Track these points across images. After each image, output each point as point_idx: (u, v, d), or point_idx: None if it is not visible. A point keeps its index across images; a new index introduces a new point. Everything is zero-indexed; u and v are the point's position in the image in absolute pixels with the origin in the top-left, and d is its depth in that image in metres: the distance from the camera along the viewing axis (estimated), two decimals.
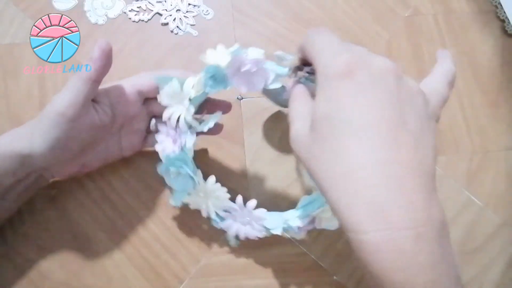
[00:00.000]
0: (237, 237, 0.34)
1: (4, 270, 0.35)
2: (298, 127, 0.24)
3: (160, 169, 0.33)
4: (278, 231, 0.33)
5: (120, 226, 0.37)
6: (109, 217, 0.37)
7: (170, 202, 0.34)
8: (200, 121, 0.32)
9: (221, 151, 0.40)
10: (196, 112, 0.32)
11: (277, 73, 0.28)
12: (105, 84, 0.34)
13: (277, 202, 0.38)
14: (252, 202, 0.32)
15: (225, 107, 0.36)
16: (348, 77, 0.21)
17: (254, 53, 0.28)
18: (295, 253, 0.37)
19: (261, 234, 0.33)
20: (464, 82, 0.43)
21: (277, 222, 0.33)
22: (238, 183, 0.39)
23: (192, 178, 0.32)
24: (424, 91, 0.23)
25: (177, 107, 0.32)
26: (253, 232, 0.33)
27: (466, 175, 0.40)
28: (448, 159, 0.40)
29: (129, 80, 0.34)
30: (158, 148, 0.33)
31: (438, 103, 0.24)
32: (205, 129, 0.32)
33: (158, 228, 0.37)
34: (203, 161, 0.39)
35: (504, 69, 0.43)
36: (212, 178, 0.33)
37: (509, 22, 0.44)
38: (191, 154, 0.33)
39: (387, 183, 0.20)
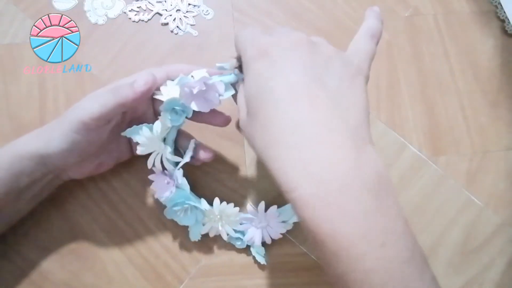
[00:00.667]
0: (264, 251, 0.36)
1: (4, 270, 0.35)
2: (242, 115, 0.26)
3: (167, 214, 0.35)
4: (296, 218, 0.35)
5: (120, 226, 0.37)
6: (109, 217, 0.37)
7: (190, 239, 0.36)
8: (184, 151, 0.34)
9: (221, 151, 0.40)
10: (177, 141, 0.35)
11: (225, 82, 0.30)
12: (113, 82, 0.34)
13: (277, 202, 0.38)
14: (261, 205, 0.34)
15: (222, 119, 0.35)
16: (262, 57, 0.24)
17: (198, 74, 0.30)
18: (295, 253, 0.37)
19: (283, 229, 0.35)
20: (464, 82, 0.43)
21: (291, 212, 0.35)
22: (238, 183, 0.39)
23: (199, 208, 0.34)
24: (350, 51, 0.26)
25: (156, 151, 0.33)
26: (275, 231, 0.35)
27: (466, 175, 0.40)
28: (448, 159, 0.40)
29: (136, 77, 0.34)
30: (157, 196, 0.34)
31: (363, 59, 0.26)
32: (188, 159, 0.33)
33: (158, 228, 0.37)
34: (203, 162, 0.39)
35: (504, 69, 0.43)
36: (216, 201, 0.34)
37: (509, 22, 0.44)
38: (187, 187, 0.34)
39: (310, 142, 0.21)
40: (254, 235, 0.35)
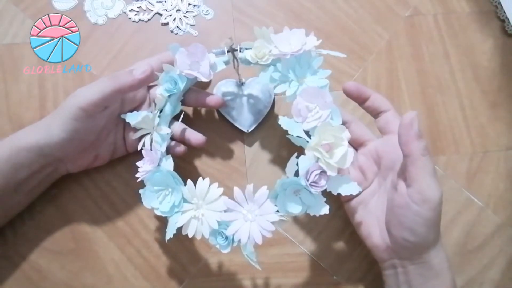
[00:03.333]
0: (255, 255, 0.30)
1: (4, 270, 0.35)
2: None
3: (145, 199, 0.32)
4: (297, 210, 0.29)
5: (120, 226, 0.37)
6: (109, 217, 0.37)
7: (166, 238, 0.31)
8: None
9: (221, 151, 0.40)
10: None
11: (216, 57, 0.33)
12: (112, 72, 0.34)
13: None
14: (249, 188, 0.29)
15: (215, 100, 0.36)
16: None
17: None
18: (295, 253, 0.37)
19: (277, 217, 0.28)
20: (464, 82, 0.43)
21: (285, 204, 0.29)
22: (238, 183, 0.39)
23: (176, 183, 0.30)
24: None
25: (148, 133, 0.34)
26: (266, 222, 0.28)
27: (466, 175, 0.40)
28: (448, 159, 0.40)
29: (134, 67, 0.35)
30: (140, 175, 0.32)
31: None
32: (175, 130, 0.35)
33: (158, 228, 0.37)
34: (203, 162, 0.39)
35: (504, 69, 0.43)
36: (199, 179, 0.30)
37: (509, 22, 0.44)
38: (171, 166, 0.32)
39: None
40: (240, 228, 0.28)
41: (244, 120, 0.39)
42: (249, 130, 0.39)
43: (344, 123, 0.32)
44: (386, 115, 0.33)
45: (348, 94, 0.34)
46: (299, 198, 0.29)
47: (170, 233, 0.30)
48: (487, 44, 0.44)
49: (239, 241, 0.29)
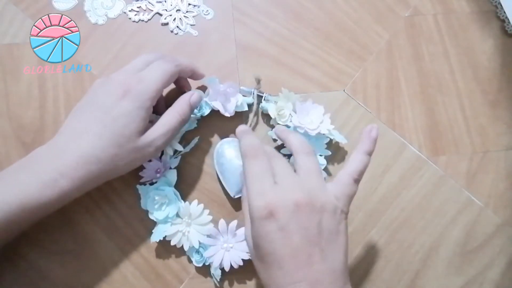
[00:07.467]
0: (221, 275, 0.35)
1: (4, 270, 0.35)
2: (247, 231, 0.30)
3: (144, 201, 0.36)
4: None
5: (120, 226, 0.37)
6: (109, 217, 0.37)
7: (151, 240, 0.35)
8: (184, 145, 0.38)
9: None
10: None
11: (243, 98, 0.38)
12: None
13: None
14: (233, 224, 0.34)
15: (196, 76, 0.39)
16: (270, 219, 0.27)
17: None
18: None
19: (246, 256, 0.34)
20: (464, 82, 0.43)
21: None
22: None
23: (176, 200, 0.35)
24: (335, 192, 0.29)
25: None
26: (237, 255, 0.34)
27: (466, 175, 0.40)
28: (448, 159, 0.40)
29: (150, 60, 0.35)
30: (145, 179, 0.36)
31: (346, 203, 0.29)
32: (188, 150, 0.38)
33: None
34: (202, 162, 0.39)
35: (504, 69, 0.43)
36: (195, 202, 0.35)
37: (509, 22, 0.44)
38: (174, 179, 0.36)
39: None
40: (215, 254, 0.34)
41: (233, 185, 0.37)
42: (235, 197, 0.37)
43: None
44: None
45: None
46: None
47: (156, 237, 0.35)
48: (487, 44, 0.44)
49: (211, 262, 0.34)
